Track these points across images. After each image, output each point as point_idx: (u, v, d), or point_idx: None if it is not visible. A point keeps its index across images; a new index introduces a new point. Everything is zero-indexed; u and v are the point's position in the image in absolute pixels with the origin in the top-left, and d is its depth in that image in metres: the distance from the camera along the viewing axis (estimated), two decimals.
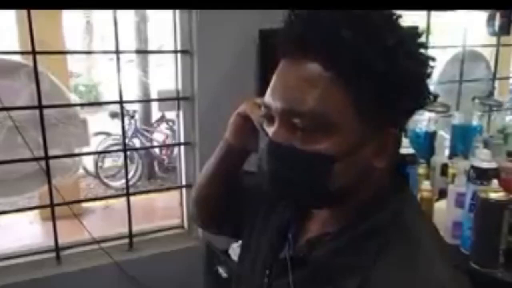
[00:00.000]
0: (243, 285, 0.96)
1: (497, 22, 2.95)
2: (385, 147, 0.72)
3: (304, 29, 0.69)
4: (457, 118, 2.33)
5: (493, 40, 3.27)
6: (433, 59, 0.72)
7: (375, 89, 0.67)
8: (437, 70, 3.83)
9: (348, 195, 0.75)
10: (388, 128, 0.71)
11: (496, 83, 3.56)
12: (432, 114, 2.29)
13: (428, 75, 0.72)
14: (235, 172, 1.03)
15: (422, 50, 0.71)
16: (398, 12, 0.72)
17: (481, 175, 1.57)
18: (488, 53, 3.71)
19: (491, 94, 2.74)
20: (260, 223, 0.96)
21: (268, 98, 0.74)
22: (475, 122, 2.32)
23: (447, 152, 2.32)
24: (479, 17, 3.07)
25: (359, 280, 0.70)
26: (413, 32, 0.72)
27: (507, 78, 3.88)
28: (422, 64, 0.71)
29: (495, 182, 1.50)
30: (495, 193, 1.47)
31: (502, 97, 3.59)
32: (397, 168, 0.80)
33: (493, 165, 1.59)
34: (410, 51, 0.69)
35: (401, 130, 0.75)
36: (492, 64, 3.52)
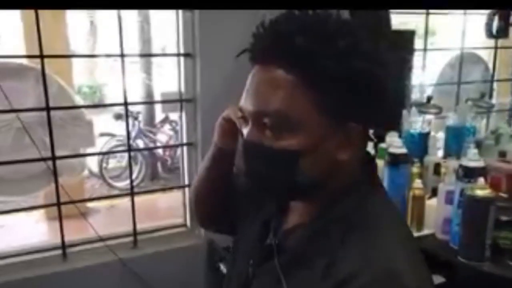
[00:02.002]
0: (233, 277, 1.02)
1: (495, 25, 2.99)
2: (347, 141, 0.78)
3: (267, 40, 0.78)
4: (451, 120, 2.38)
5: (493, 42, 3.32)
6: (399, 60, 0.79)
7: (332, 89, 0.74)
8: (435, 72, 3.89)
9: (318, 187, 0.82)
10: (350, 124, 0.77)
11: (496, 85, 3.60)
12: (427, 116, 2.36)
13: (392, 75, 0.78)
14: (226, 173, 1.07)
15: (385, 52, 0.78)
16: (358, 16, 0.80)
17: (468, 173, 1.63)
18: (489, 56, 3.74)
19: (483, 96, 2.78)
20: (249, 219, 1.02)
21: (242, 102, 0.82)
22: (468, 123, 2.37)
23: (440, 152, 2.38)
24: (479, 19, 3.11)
25: (327, 261, 0.77)
26: (375, 35, 0.78)
27: (506, 80, 3.90)
28: (383, 65, 0.77)
29: (481, 180, 1.56)
30: (481, 190, 1.54)
31: (503, 99, 3.64)
32: (366, 162, 0.87)
33: (480, 164, 1.65)
34: (366, 53, 0.75)
35: (377, 127, 0.82)
36: (491, 66, 3.57)
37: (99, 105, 9.06)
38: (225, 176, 1.08)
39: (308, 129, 0.76)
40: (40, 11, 2.04)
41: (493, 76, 3.53)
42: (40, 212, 5.10)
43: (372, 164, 0.90)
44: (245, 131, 0.83)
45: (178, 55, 2.36)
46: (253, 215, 1.01)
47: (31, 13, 2.02)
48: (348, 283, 0.72)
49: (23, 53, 4.34)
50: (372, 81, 0.75)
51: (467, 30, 3.25)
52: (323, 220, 0.82)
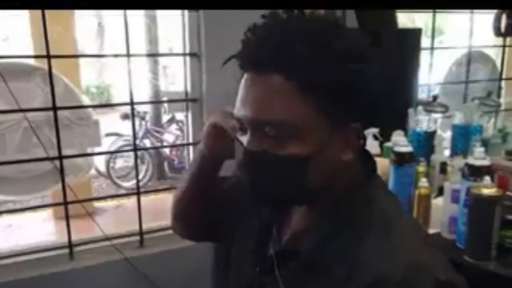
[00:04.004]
0: (232, 282, 1.02)
1: (503, 23, 2.98)
2: (350, 141, 0.80)
3: (261, 46, 0.75)
4: (458, 118, 2.37)
5: (501, 41, 3.31)
6: (375, 59, 0.78)
7: (332, 92, 0.74)
8: (443, 71, 3.88)
9: (325, 189, 0.82)
10: (351, 124, 0.79)
11: (503, 83, 3.59)
12: (433, 115, 2.34)
13: (375, 74, 0.78)
14: (211, 180, 1.07)
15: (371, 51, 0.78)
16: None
17: (474, 172, 1.62)
18: (497, 54, 3.72)
19: (489, 94, 2.77)
20: (244, 222, 1.01)
21: (239, 110, 0.80)
22: (475, 122, 2.35)
23: (448, 151, 2.37)
24: (487, 17, 3.10)
25: (346, 265, 0.76)
26: (362, 35, 0.79)
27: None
28: (374, 65, 0.78)
29: (487, 178, 1.55)
30: (487, 189, 1.52)
31: (511, 98, 3.63)
32: (363, 157, 0.87)
33: (486, 162, 1.64)
34: (359, 55, 0.75)
35: (369, 125, 0.82)
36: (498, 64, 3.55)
37: (105, 105, 9.10)
38: (210, 183, 1.07)
39: (311, 134, 0.76)
40: (48, 12, 2.05)
41: (501, 74, 3.52)
42: (48, 212, 5.14)
43: (371, 160, 0.90)
44: (244, 140, 0.81)
45: (184, 55, 2.36)
46: (248, 219, 1.00)
47: (39, 13, 2.02)
48: (379, 285, 0.71)
49: (31, 53, 4.37)
50: (367, 80, 0.77)
51: (475, 28, 3.24)
52: (336, 222, 0.81)
